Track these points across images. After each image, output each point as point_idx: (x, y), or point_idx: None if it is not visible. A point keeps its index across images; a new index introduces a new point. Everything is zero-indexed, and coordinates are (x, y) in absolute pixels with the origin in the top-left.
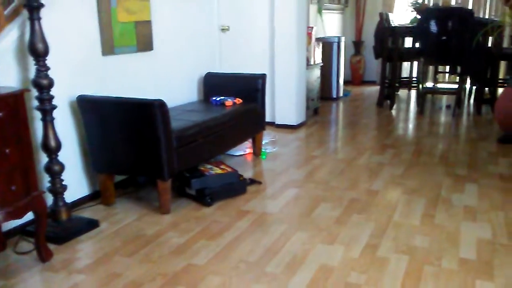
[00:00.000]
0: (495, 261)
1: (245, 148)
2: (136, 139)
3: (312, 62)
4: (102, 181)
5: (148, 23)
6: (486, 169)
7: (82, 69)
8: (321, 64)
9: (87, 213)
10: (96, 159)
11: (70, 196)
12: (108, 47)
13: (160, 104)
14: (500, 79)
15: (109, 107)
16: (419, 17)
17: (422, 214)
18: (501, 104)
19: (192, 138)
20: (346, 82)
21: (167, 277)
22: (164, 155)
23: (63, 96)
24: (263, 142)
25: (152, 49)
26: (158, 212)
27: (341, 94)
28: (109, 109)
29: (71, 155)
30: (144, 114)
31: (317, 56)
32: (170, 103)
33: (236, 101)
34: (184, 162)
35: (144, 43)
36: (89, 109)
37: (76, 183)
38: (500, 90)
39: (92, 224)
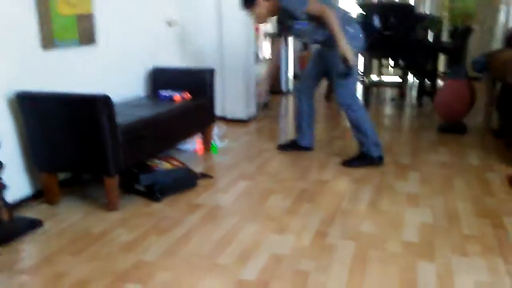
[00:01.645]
0: (436, 243)
1: (195, 143)
2: (80, 135)
3: (261, 57)
4: (45, 180)
5: (90, 16)
6: (427, 157)
7: (20, 64)
8: (270, 58)
9: (30, 213)
10: (37, 157)
11: (11, 195)
12: (48, 41)
13: (105, 98)
14: (441, 72)
15: (50, 103)
16: (363, 12)
17: (368, 202)
18: (441, 95)
19: (139, 133)
20: (296, 77)
21: (116, 274)
22: (109, 150)
23: (0, 92)
24: (213, 135)
25: (95, 43)
26: (105, 210)
27: (290, 88)
28: (50, 105)
29: (11, 153)
30: (88, 109)
31: (266, 50)
32: (116, 98)
33: (185, 95)
34: (132, 158)
35: (87, 37)
36: (30, 105)
37: (17, 182)
38: (440, 83)
39: (35, 224)
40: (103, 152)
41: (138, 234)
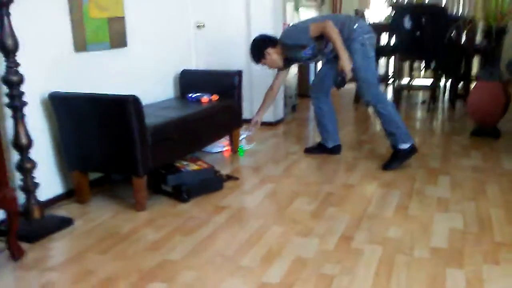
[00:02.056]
0: (466, 250)
1: (223, 145)
2: (110, 136)
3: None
4: (76, 179)
5: (121, 19)
6: (458, 162)
7: (54, 65)
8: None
9: (61, 211)
10: (69, 157)
11: (43, 194)
12: (80, 44)
13: (134, 99)
14: (473, 75)
15: (82, 103)
16: (394, 13)
17: (396, 206)
18: (474, 98)
19: (168, 134)
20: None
21: (142, 273)
22: (138, 151)
23: (34, 93)
24: (240, 138)
25: (126, 46)
26: (133, 210)
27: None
28: (82, 106)
29: (44, 153)
30: (118, 110)
31: None
32: (145, 100)
33: (213, 97)
34: (160, 159)
35: (118, 40)
36: (62, 106)
37: (49, 181)
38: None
39: (65, 222)
40: (132, 152)
41: (164, 234)
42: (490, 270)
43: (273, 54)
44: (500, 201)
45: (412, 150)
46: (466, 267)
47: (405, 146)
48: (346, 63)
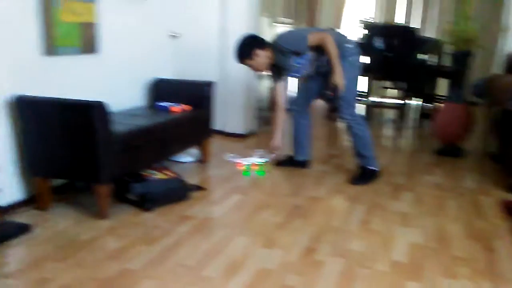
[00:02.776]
0: (425, 264)
1: (192, 155)
2: (74, 142)
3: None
4: (38, 185)
5: (94, 25)
6: (422, 178)
7: (22, 69)
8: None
9: (20, 218)
10: (32, 162)
11: (3, 199)
12: (50, 48)
13: (100, 105)
14: (440, 96)
15: (47, 108)
16: (366, 33)
17: (360, 220)
18: (440, 118)
19: (135, 142)
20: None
21: (100, 281)
22: (102, 158)
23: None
24: (262, 161)
25: (98, 52)
26: (95, 218)
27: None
28: (47, 110)
29: (6, 157)
30: (83, 115)
31: None
32: (115, 107)
33: (183, 107)
34: (125, 167)
35: (89, 45)
36: (28, 110)
37: (10, 186)
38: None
39: (24, 229)
40: (96, 159)
41: (125, 243)
42: (448, 284)
43: (261, 57)
44: (459, 218)
45: (377, 174)
46: (425, 280)
47: (374, 166)
48: (340, 78)
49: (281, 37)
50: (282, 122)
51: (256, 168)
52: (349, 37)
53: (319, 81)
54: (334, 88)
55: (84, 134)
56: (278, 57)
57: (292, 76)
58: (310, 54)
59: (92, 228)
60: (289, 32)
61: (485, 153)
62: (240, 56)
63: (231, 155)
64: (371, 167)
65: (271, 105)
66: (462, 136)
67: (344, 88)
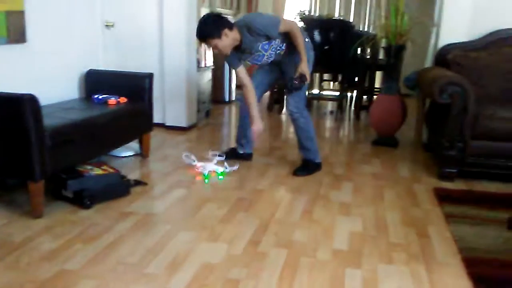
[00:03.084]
0: (364, 251)
1: (132, 149)
2: (3, 137)
3: (203, 65)
4: None
5: (21, 13)
6: (361, 168)
7: None
8: (213, 67)
9: None
10: None
11: None
12: None
13: (30, 98)
14: (376, 88)
15: None
16: (304, 26)
17: (302, 211)
18: (375, 110)
19: (69, 136)
20: (239, 86)
21: (36, 284)
22: (35, 154)
23: None
24: (221, 170)
25: (26, 42)
26: (29, 217)
27: (233, 98)
28: None
29: None
30: (12, 109)
31: (208, 59)
32: (46, 100)
33: (120, 100)
34: (60, 162)
35: (16, 35)
36: None
37: None
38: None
39: None
40: (28, 155)
41: (62, 242)
42: (385, 270)
43: (229, 37)
44: (395, 205)
45: (320, 166)
46: (364, 267)
47: (317, 160)
48: (306, 67)
49: (254, 18)
50: (254, 101)
51: (214, 173)
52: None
53: (274, 72)
54: (301, 77)
55: (14, 128)
56: (247, 39)
57: (251, 62)
58: (277, 41)
59: (26, 227)
60: (261, 15)
61: (418, 142)
62: (207, 35)
63: (187, 154)
64: (314, 160)
65: (240, 87)
66: (396, 127)
67: (309, 76)
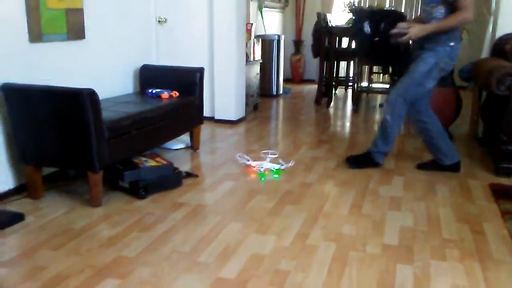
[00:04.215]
0: (415, 246)
1: (183, 142)
2: (65, 130)
3: (251, 59)
4: (29, 173)
5: (80, 10)
6: (412, 163)
7: (7, 56)
8: (261, 61)
9: (12, 206)
10: (22, 150)
11: None
12: (36, 34)
13: (90, 93)
14: None
15: (36, 95)
16: (354, 18)
17: (351, 205)
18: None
19: (125, 129)
20: (286, 80)
21: (95, 269)
22: (94, 146)
23: None
24: (276, 167)
25: (84, 38)
26: (88, 206)
27: (281, 91)
28: (36, 98)
29: None
30: (73, 103)
31: (257, 53)
32: (104, 94)
33: (173, 94)
34: (117, 154)
35: (76, 32)
36: (15, 97)
37: (1, 175)
38: None
39: (17, 218)
40: (88, 147)
41: (119, 230)
42: (437, 266)
43: None
44: (448, 201)
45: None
46: (415, 263)
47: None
48: (418, 31)
49: None
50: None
51: (269, 173)
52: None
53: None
54: (400, 33)
55: (75, 122)
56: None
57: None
58: (441, 8)
59: (86, 216)
60: None
61: (473, 137)
62: None
63: (240, 154)
64: (381, 151)
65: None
66: (450, 120)
67: (410, 37)
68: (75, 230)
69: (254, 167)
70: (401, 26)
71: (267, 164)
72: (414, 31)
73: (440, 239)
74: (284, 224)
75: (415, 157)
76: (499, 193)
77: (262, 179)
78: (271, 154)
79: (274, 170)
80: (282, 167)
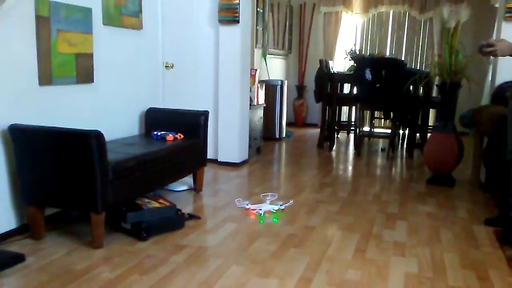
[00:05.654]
0: None
1: (186, 184)
2: (70, 170)
3: (255, 103)
4: (31, 214)
5: (89, 55)
6: (415, 208)
7: (17, 98)
8: (264, 105)
9: (13, 247)
10: (26, 190)
11: None
12: (46, 77)
13: (96, 134)
14: (430, 126)
15: (42, 137)
16: (355, 65)
17: (354, 249)
18: (429, 148)
19: (129, 171)
20: (289, 124)
21: None
22: (98, 186)
23: None
24: (275, 208)
25: (93, 82)
26: (90, 247)
27: (283, 135)
28: (42, 139)
29: None
30: (79, 144)
31: (260, 97)
32: (110, 136)
33: (178, 136)
34: (120, 195)
35: (85, 75)
36: (22, 138)
37: (2, 215)
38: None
39: (17, 258)
40: (92, 188)
41: (120, 273)
42: None
43: None
44: (453, 247)
45: None
46: None
47: None
48: (506, 48)
49: None
50: None
51: (269, 214)
52: None
53: None
54: (488, 44)
55: (81, 163)
56: None
57: None
58: None
59: (87, 257)
60: None
61: (475, 182)
62: None
63: (239, 199)
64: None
65: None
66: (452, 165)
67: (495, 52)
68: (76, 271)
69: (254, 210)
70: (490, 40)
71: (266, 206)
72: (502, 47)
73: (446, 286)
74: (287, 267)
75: (418, 201)
76: (505, 239)
77: (261, 221)
78: (270, 196)
79: (274, 211)
80: (282, 207)
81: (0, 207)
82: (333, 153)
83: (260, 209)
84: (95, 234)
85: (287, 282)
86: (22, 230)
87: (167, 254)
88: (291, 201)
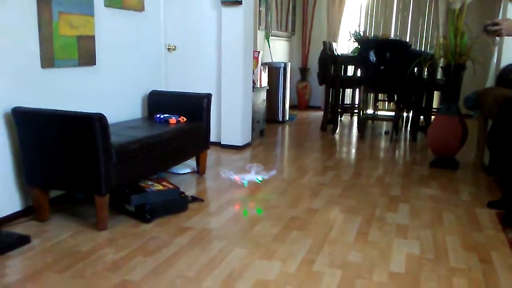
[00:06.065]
0: (422, 275)
1: (189, 167)
2: (73, 153)
3: (258, 85)
4: (36, 196)
5: (91, 37)
6: (418, 191)
7: (19, 80)
8: (267, 88)
9: (18, 229)
10: (30, 173)
11: (1, 210)
12: (48, 60)
13: (99, 117)
14: (434, 108)
15: (45, 119)
16: (360, 47)
17: (357, 232)
18: (433, 131)
19: (133, 153)
20: (292, 107)
21: None
22: (102, 169)
23: None
24: (259, 178)
25: (95, 64)
26: (94, 229)
27: (286, 117)
28: (45, 122)
29: (3, 168)
30: (83, 127)
31: (263, 80)
32: (113, 118)
33: (180, 119)
34: (124, 178)
35: (87, 58)
36: (24, 121)
37: (8, 198)
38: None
39: (23, 240)
40: (96, 170)
41: (124, 254)
42: None
43: None
44: (455, 229)
45: None
46: None
47: None
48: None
49: None
50: None
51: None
52: None
53: None
54: (492, 23)
55: (84, 145)
56: None
57: None
58: None
59: (91, 239)
60: None
61: (479, 165)
62: None
63: (225, 170)
64: None
65: None
66: (456, 149)
67: (501, 31)
68: (80, 253)
69: (237, 180)
70: (496, 19)
71: (250, 176)
72: (508, 26)
73: (447, 267)
74: (290, 250)
75: (421, 184)
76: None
77: (245, 213)
78: (256, 167)
79: (259, 181)
80: (266, 177)
81: (5, 190)
82: (336, 136)
83: (244, 179)
84: (99, 216)
85: (290, 264)
86: (27, 212)
87: (170, 236)
88: (274, 171)
